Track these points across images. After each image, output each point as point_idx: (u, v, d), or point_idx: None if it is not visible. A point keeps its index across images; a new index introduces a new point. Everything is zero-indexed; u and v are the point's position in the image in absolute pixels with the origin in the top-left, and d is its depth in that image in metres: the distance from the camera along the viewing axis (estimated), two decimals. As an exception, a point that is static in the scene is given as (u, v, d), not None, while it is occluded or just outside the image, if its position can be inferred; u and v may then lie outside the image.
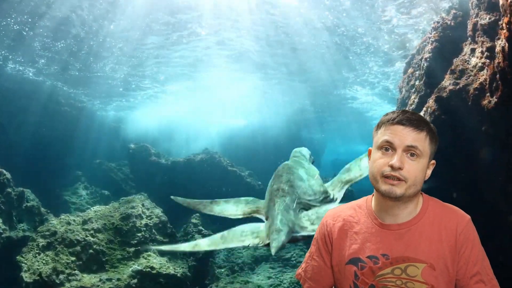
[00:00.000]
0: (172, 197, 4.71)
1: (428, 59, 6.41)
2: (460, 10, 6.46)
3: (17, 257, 7.68)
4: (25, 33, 11.39)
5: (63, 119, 18.12)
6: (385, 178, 1.76)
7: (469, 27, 5.68)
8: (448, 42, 6.26)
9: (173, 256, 9.49)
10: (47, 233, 8.18)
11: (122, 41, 12.70)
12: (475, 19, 5.55)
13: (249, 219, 4.17)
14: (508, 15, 4.02)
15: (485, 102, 4.76)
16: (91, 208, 9.80)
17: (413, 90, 6.93)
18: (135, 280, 8.04)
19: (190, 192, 15.44)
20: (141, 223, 9.39)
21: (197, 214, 11.79)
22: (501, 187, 4.85)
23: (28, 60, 14.50)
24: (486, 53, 5.09)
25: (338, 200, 3.89)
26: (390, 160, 1.74)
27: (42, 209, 11.10)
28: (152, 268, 8.45)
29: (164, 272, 8.50)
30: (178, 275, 8.71)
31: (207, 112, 28.68)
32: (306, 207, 3.78)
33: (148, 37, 12.48)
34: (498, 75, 4.46)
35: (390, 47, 12.28)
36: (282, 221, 3.44)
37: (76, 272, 7.67)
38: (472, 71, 5.20)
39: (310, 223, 3.56)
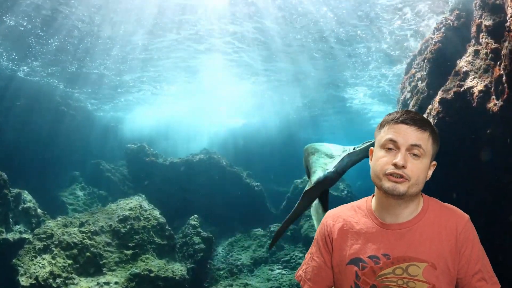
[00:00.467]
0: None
1: (431, 60, 6.33)
2: (463, 10, 6.37)
3: (14, 260, 7.59)
4: (22, 28, 11.23)
5: (60, 119, 17.99)
6: (389, 176, 1.76)
7: (473, 28, 5.60)
8: (451, 43, 6.18)
9: (171, 258, 9.40)
10: (43, 235, 8.08)
11: (119, 40, 12.57)
12: (479, 20, 5.47)
13: None
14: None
15: (490, 104, 4.68)
16: (88, 210, 9.72)
17: (415, 91, 6.85)
18: (133, 284, 7.95)
19: (188, 193, 15.42)
20: (139, 225, 9.30)
21: (196, 215, 11.70)
22: (503, 189, 4.79)
23: (22, 58, 14.33)
24: (490, 54, 5.01)
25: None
26: (394, 159, 1.75)
27: (39, 211, 10.98)
28: (150, 271, 8.36)
29: (163, 275, 8.41)
30: (177, 278, 8.62)
31: (206, 112, 28.57)
32: None
33: (145, 37, 12.37)
34: (504, 78, 4.38)
35: (389, 47, 12.20)
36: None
37: (73, 275, 7.58)
38: (476, 72, 5.12)
39: None
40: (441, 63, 6.20)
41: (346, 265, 1.91)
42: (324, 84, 17.84)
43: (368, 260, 1.85)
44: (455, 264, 1.81)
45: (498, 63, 4.74)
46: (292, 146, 29.63)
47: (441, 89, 5.57)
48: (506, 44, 4.32)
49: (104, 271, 8.07)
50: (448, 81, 5.57)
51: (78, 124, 19.33)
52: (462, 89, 5.10)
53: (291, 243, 12.82)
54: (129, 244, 8.80)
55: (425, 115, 5.82)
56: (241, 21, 11.00)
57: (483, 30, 5.27)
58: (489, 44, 5.10)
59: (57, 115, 17.95)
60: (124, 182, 17.72)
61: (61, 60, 14.42)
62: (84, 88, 19.42)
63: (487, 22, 5.20)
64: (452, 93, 5.19)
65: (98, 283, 7.64)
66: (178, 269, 8.96)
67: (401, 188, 1.74)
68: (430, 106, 5.69)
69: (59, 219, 8.84)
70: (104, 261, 8.24)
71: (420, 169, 1.76)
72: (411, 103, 6.72)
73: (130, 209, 9.63)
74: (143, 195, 11.20)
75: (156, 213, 10.09)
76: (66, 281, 7.40)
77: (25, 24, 11.01)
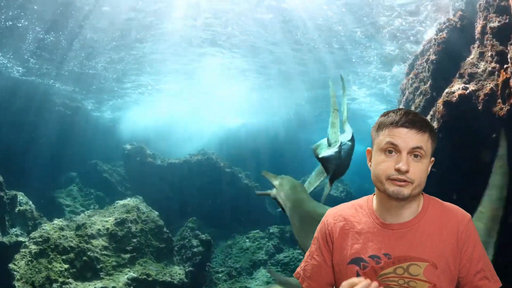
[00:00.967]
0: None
1: (434, 61, 6.23)
2: (466, 11, 6.28)
3: (10, 265, 7.45)
4: (20, 25, 11.06)
5: (57, 119, 17.82)
6: (392, 180, 1.76)
7: (477, 29, 5.50)
8: (455, 44, 6.08)
9: (169, 262, 9.29)
10: (39, 239, 7.94)
11: (116, 39, 12.45)
12: (483, 22, 5.38)
13: None
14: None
15: (496, 108, 4.58)
16: (85, 213, 9.58)
17: (418, 93, 6.75)
18: (131, 288, 7.84)
19: (186, 194, 15.30)
20: (136, 228, 9.18)
21: (194, 217, 11.59)
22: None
23: (18, 57, 14.17)
24: (496, 57, 4.91)
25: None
26: (395, 163, 1.75)
27: (36, 213, 10.85)
28: (148, 275, 8.25)
29: (161, 279, 8.30)
30: (175, 282, 8.52)
31: (204, 111, 28.45)
32: None
33: (142, 36, 12.26)
34: (511, 81, 4.28)
35: (389, 48, 12.12)
36: None
37: (70, 280, 7.46)
38: (481, 75, 5.03)
39: None
40: (444, 64, 6.10)
41: (347, 265, 1.91)
42: (324, 85, 17.75)
43: (369, 260, 1.85)
44: (456, 263, 1.82)
45: (505, 66, 4.65)
46: (291, 146, 29.56)
47: (445, 91, 5.47)
48: (513, 46, 4.23)
49: (101, 276, 7.95)
50: (452, 83, 5.47)
51: (75, 124, 19.17)
52: (468, 91, 5.00)
53: (290, 245, 12.74)
54: (127, 248, 8.68)
55: (428, 117, 5.73)
56: (241, 18, 10.89)
57: (488, 32, 5.18)
58: (494, 46, 5.01)
59: (54, 115, 17.79)
60: (122, 183, 17.59)
61: (57, 58, 14.26)
62: (81, 87, 19.27)
63: (492, 24, 5.11)
64: (457, 96, 5.09)
65: (95, 288, 7.53)
66: (177, 272, 8.86)
67: (405, 191, 1.75)
68: (434, 109, 5.59)
69: (55, 222, 8.70)
70: (101, 265, 8.12)
71: (422, 170, 1.78)
72: (414, 105, 6.63)
73: (128, 211, 9.50)
74: (141, 197, 11.09)
75: (154, 215, 9.97)
76: (63, 286, 7.28)
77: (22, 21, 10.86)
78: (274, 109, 25.58)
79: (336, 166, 4.58)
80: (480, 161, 5.13)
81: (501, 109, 4.51)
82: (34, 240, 7.94)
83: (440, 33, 6.38)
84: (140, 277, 8.07)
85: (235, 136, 30.45)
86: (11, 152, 15.13)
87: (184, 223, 11.54)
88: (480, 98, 4.82)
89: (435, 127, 5.34)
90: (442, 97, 5.41)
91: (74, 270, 7.72)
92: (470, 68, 5.25)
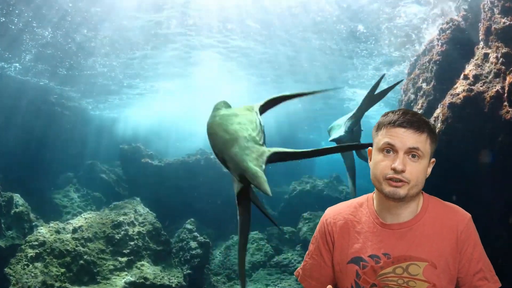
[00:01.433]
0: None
1: (437, 62, 6.14)
2: (470, 12, 6.18)
3: (5, 269, 7.33)
4: (12, 26, 10.90)
5: (53, 119, 17.63)
6: (388, 180, 1.77)
7: (481, 30, 5.41)
8: (459, 44, 5.99)
9: (167, 264, 9.17)
10: (35, 243, 7.81)
11: (113, 38, 12.32)
12: (488, 23, 5.28)
13: None
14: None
15: (502, 111, 4.48)
16: (82, 215, 9.44)
17: (420, 94, 6.64)
18: (128, 292, 7.71)
19: (184, 195, 15.15)
20: (133, 231, 9.05)
21: (192, 219, 11.44)
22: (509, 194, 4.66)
23: (14, 55, 13.99)
24: (501, 59, 4.81)
25: None
26: (392, 163, 1.75)
27: (32, 215, 10.71)
28: (146, 278, 8.13)
29: (159, 283, 8.18)
30: (173, 285, 8.40)
31: (202, 111, 28.26)
32: None
33: (140, 35, 12.13)
34: (518, 84, 4.18)
35: (389, 48, 12.02)
36: None
37: (67, 284, 7.33)
38: (487, 77, 4.92)
39: None
40: (448, 65, 6.02)
41: (347, 264, 1.92)
42: (323, 84, 17.66)
43: (368, 259, 1.86)
44: (456, 263, 1.83)
45: (510, 68, 4.55)
46: (290, 146, 29.39)
47: (449, 92, 5.36)
48: (521, 48, 4.12)
49: (98, 280, 7.82)
50: (457, 84, 5.36)
51: (72, 124, 18.99)
52: (473, 93, 4.89)
53: (290, 247, 12.62)
54: (124, 251, 8.54)
55: (432, 119, 5.62)
56: (239, 17, 10.77)
57: (493, 33, 5.08)
58: (499, 48, 4.92)
59: (50, 115, 17.60)
60: (119, 183, 17.41)
61: (54, 57, 14.11)
62: (78, 87, 19.11)
63: (497, 25, 5.01)
64: (462, 98, 4.98)
65: (92, 293, 7.41)
66: (175, 276, 8.73)
67: (401, 191, 1.75)
68: (438, 110, 5.48)
69: (51, 224, 8.57)
70: (98, 269, 7.99)
71: (419, 170, 1.77)
72: (417, 107, 6.52)
73: (125, 214, 9.37)
74: (138, 198, 10.93)
75: (152, 217, 9.84)
76: (59, 291, 7.16)
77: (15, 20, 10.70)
78: (273, 109, 25.46)
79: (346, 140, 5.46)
80: (482, 164, 5.06)
81: (508, 112, 4.41)
82: (30, 243, 7.81)
83: (443, 33, 6.28)
84: (137, 281, 7.95)
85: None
86: (7, 153, 14.95)
87: (182, 224, 11.40)
88: (486, 100, 4.72)
89: (439, 128, 5.24)
90: (446, 99, 5.31)
91: (71, 274, 7.59)
92: (475, 70, 5.14)
